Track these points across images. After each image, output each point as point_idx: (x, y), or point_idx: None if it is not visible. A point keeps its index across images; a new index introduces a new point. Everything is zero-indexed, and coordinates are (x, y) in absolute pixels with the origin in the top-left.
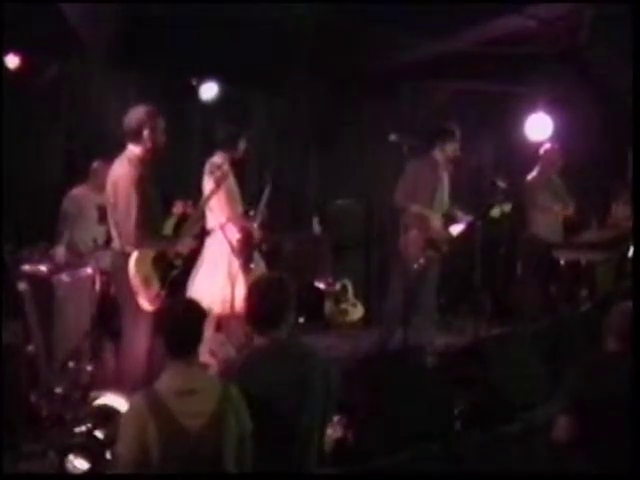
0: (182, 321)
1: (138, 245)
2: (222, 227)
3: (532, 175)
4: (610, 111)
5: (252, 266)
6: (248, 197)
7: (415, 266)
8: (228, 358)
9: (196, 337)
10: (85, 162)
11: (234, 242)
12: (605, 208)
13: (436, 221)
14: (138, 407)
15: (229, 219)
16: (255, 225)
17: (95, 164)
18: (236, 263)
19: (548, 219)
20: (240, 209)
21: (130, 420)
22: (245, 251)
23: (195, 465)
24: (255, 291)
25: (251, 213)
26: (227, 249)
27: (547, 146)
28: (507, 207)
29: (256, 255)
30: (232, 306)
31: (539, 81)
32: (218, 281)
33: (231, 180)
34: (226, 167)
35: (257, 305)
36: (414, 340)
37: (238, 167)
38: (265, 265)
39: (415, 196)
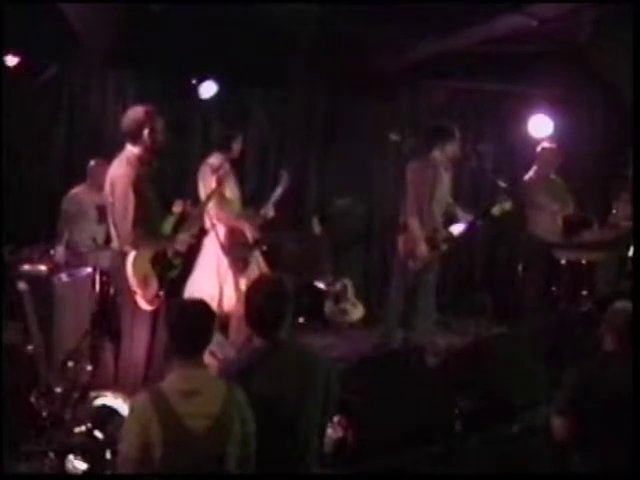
0: (193, 322)
1: (136, 245)
2: (213, 227)
3: (529, 175)
4: (611, 110)
5: (250, 266)
6: (248, 195)
7: (413, 266)
8: (227, 358)
9: (205, 338)
10: (85, 162)
11: (223, 241)
12: (605, 208)
13: (422, 248)
14: (143, 406)
15: (219, 219)
16: (249, 225)
17: (92, 163)
18: (225, 262)
19: (546, 218)
20: (237, 209)
21: (134, 418)
22: (233, 251)
23: (198, 466)
24: (255, 292)
25: (262, 211)
26: (218, 248)
27: (544, 145)
28: (507, 205)
29: (256, 254)
30: (220, 305)
31: (539, 81)
32: (208, 280)
33: (231, 180)
34: (227, 166)
35: (258, 306)
36: (414, 340)
37: (236, 167)
38: (265, 265)
39: (417, 199)
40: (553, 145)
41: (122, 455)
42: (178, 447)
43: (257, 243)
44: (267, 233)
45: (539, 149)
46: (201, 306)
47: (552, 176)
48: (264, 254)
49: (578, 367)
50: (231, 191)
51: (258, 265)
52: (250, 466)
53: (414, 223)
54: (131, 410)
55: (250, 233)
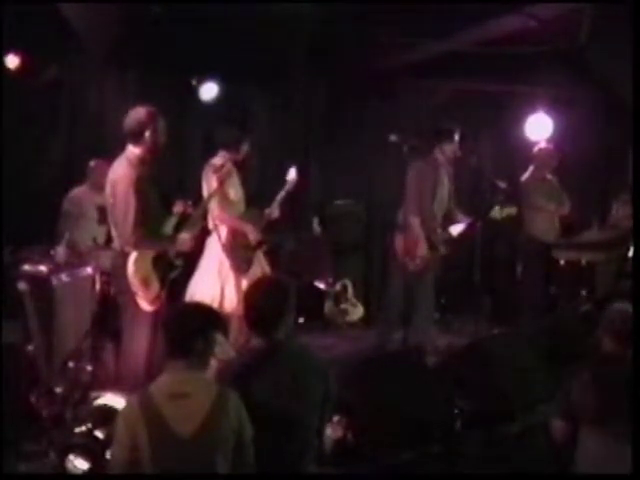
0: (182, 323)
1: (136, 246)
2: (215, 227)
3: (525, 175)
4: (610, 110)
5: (253, 267)
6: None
7: (411, 267)
8: (226, 358)
9: (196, 340)
10: (85, 162)
11: (225, 242)
12: (605, 208)
13: (422, 247)
14: (130, 409)
15: (221, 220)
16: (252, 227)
17: (92, 163)
18: (227, 263)
19: (543, 219)
20: (241, 210)
21: (121, 422)
22: (235, 252)
23: (186, 470)
24: (254, 292)
25: (266, 211)
26: (220, 249)
27: (541, 146)
28: (512, 210)
29: (259, 255)
30: (221, 306)
31: (539, 81)
32: (210, 280)
33: (235, 181)
34: (229, 166)
35: (256, 306)
36: (414, 340)
37: (240, 169)
38: (268, 266)
39: (418, 199)
40: (550, 146)
41: (112, 457)
42: (164, 450)
43: (260, 245)
44: (268, 234)
45: (535, 150)
46: (194, 308)
47: (548, 177)
48: (264, 255)
49: (577, 370)
50: (235, 191)
51: (261, 266)
52: (249, 470)
53: (415, 222)
54: (120, 413)
55: (252, 235)
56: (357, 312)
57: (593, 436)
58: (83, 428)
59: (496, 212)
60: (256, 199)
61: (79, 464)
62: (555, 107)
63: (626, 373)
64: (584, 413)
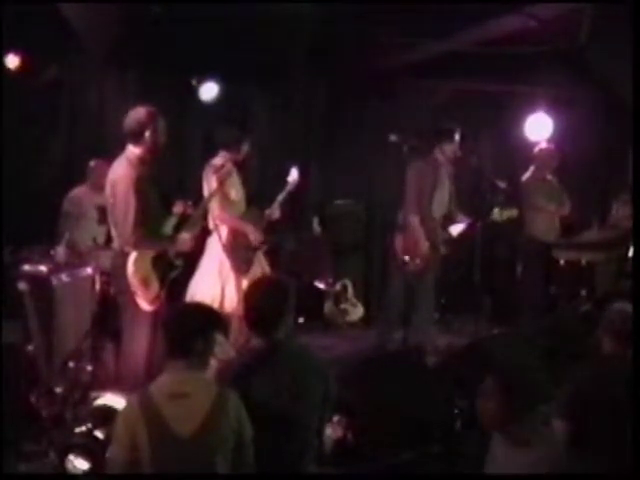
0: (183, 323)
1: (136, 246)
2: (216, 227)
3: (526, 175)
4: (610, 110)
5: (253, 267)
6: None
7: (411, 267)
8: (226, 358)
9: (196, 340)
10: (85, 162)
11: (225, 243)
12: (605, 208)
13: (423, 246)
14: (130, 409)
15: (221, 220)
16: (252, 228)
17: (92, 163)
18: (227, 263)
19: (544, 219)
20: (241, 210)
21: (121, 421)
22: (236, 252)
23: (187, 470)
24: (254, 292)
25: (267, 212)
26: (221, 249)
27: (541, 146)
28: (513, 212)
29: (259, 256)
30: (222, 306)
31: (539, 81)
32: (210, 280)
33: (235, 180)
34: (229, 166)
35: (256, 306)
36: (414, 340)
37: (240, 169)
38: (268, 266)
39: (417, 198)
40: (550, 146)
41: (111, 456)
42: (164, 450)
43: (260, 245)
44: (268, 234)
45: (536, 150)
46: (194, 308)
47: (549, 177)
48: (265, 255)
49: (577, 370)
50: (236, 191)
51: (261, 266)
52: (249, 470)
53: (415, 221)
54: (120, 412)
55: (253, 235)
56: (357, 312)
57: (496, 441)
58: (83, 428)
59: (496, 214)
60: (256, 199)
61: (79, 464)
62: (555, 107)
63: (625, 374)
64: (487, 418)
